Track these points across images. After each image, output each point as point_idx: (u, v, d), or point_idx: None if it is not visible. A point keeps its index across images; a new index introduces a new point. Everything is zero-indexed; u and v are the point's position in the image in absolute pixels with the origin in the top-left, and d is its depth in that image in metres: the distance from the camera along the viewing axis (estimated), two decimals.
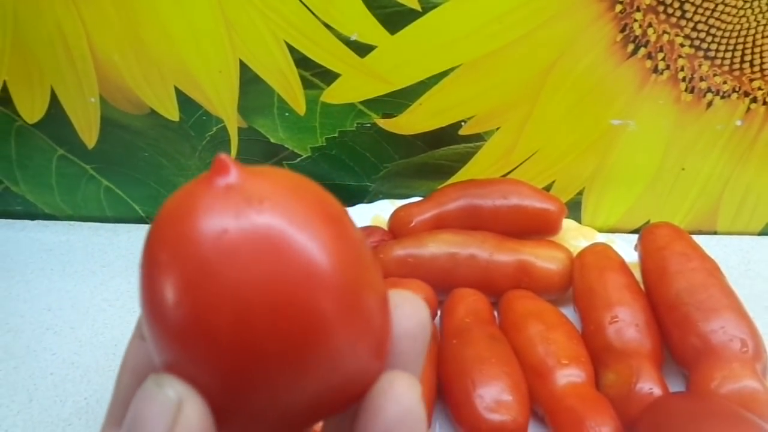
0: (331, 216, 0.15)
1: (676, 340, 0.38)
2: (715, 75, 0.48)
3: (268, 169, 0.15)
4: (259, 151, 0.52)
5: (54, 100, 0.51)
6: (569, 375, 0.37)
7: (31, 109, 0.51)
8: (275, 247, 0.14)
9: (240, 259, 0.14)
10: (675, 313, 0.39)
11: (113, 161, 0.54)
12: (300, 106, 0.50)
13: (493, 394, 0.34)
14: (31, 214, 0.57)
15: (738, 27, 0.46)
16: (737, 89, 0.48)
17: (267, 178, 0.15)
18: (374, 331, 0.15)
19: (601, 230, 0.52)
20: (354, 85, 0.49)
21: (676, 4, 0.45)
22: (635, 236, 0.46)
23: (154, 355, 0.15)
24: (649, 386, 0.36)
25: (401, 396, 0.15)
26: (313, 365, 0.14)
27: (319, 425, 0.17)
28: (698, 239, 0.44)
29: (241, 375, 0.14)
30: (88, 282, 0.50)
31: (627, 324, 0.38)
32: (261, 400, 0.14)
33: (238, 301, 0.14)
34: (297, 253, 0.14)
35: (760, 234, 0.56)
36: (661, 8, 0.45)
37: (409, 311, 0.16)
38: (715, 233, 0.56)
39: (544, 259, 0.44)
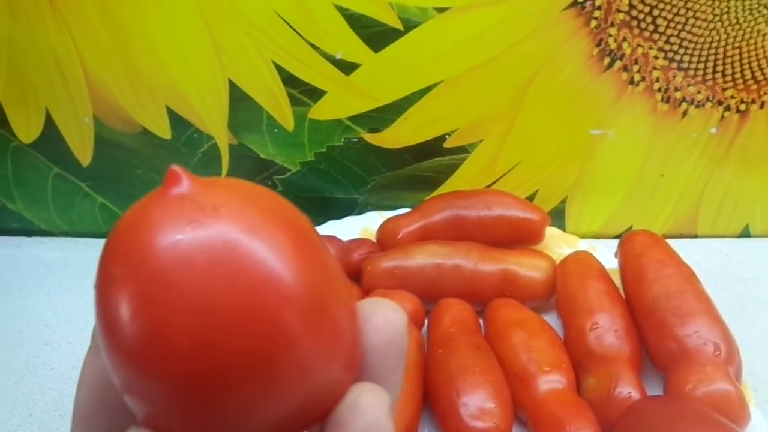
0: (291, 224, 0.14)
1: (653, 345, 0.40)
2: (689, 85, 0.49)
3: (223, 179, 0.15)
4: (249, 166, 0.54)
5: (49, 121, 0.52)
6: (551, 381, 0.38)
7: (26, 129, 0.53)
8: (232, 254, 0.13)
9: (196, 268, 0.13)
10: (652, 319, 0.40)
11: (107, 178, 0.55)
12: (288, 122, 0.52)
13: (477, 402, 0.36)
14: (28, 230, 0.58)
15: (709, 39, 0.47)
16: (711, 98, 0.50)
17: (221, 188, 0.14)
18: (341, 343, 0.15)
19: (585, 237, 0.54)
20: (340, 101, 0.50)
21: (649, 19, 0.47)
22: (617, 242, 0.47)
23: (112, 375, 0.14)
24: (627, 390, 0.37)
25: (368, 409, 0.14)
26: (278, 379, 0.14)
27: None
28: (679, 243, 0.45)
29: (203, 392, 0.13)
30: (84, 297, 0.51)
31: (606, 330, 0.40)
32: (225, 419, 0.14)
33: (197, 312, 0.13)
34: (256, 261, 0.13)
35: (739, 236, 0.57)
36: (634, 23, 0.47)
37: (381, 322, 0.16)
38: (695, 236, 0.57)
39: (527, 267, 0.46)
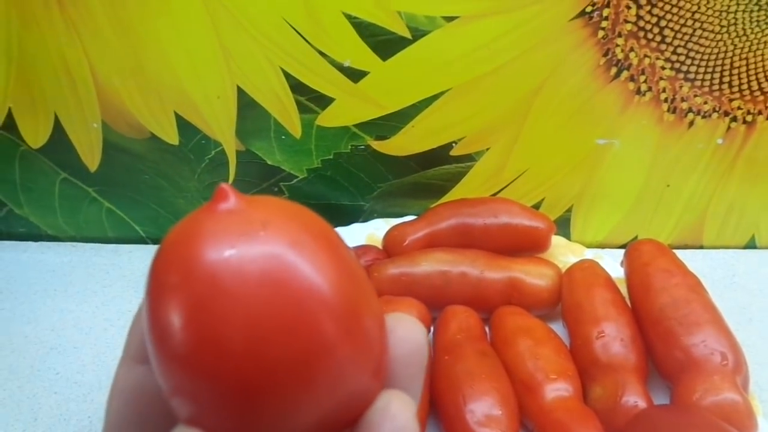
0: (328, 240, 0.16)
1: (660, 354, 0.40)
2: (695, 96, 0.49)
3: (263, 197, 0.16)
4: (256, 173, 0.54)
5: (57, 126, 0.52)
6: (557, 389, 0.38)
7: (35, 134, 0.53)
8: (280, 266, 0.14)
9: (248, 278, 0.14)
10: (659, 328, 0.40)
11: (115, 184, 0.55)
12: (296, 129, 0.52)
13: (484, 409, 0.36)
14: (34, 235, 0.58)
15: (716, 50, 0.47)
16: (717, 109, 0.50)
17: (265, 205, 0.15)
18: (372, 351, 0.16)
19: (589, 246, 0.54)
20: (348, 109, 0.51)
21: (656, 30, 0.47)
22: (623, 252, 0.47)
23: (161, 379, 0.15)
24: (634, 399, 0.37)
25: (397, 414, 0.15)
26: (317, 383, 0.14)
27: None
28: (684, 253, 0.45)
29: (250, 393, 0.14)
30: (90, 302, 0.51)
31: (613, 339, 0.40)
32: (267, 419, 0.15)
33: (248, 319, 0.14)
34: (300, 273, 0.14)
35: (745, 247, 0.57)
36: (641, 34, 0.47)
37: (403, 334, 0.17)
38: (701, 247, 0.57)
39: (533, 275, 0.46)
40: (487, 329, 0.44)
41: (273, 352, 0.14)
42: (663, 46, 0.47)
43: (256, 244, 0.14)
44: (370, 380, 0.16)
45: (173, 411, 0.15)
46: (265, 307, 0.14)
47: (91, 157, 0.54)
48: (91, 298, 0.52)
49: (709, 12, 0.46)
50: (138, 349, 0.18)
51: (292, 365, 0.14)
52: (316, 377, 0.14)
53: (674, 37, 0.47)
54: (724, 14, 0.46)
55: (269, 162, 0.53)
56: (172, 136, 0.52)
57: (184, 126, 0.52)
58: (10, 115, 0.52)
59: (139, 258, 0.56)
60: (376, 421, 0.15)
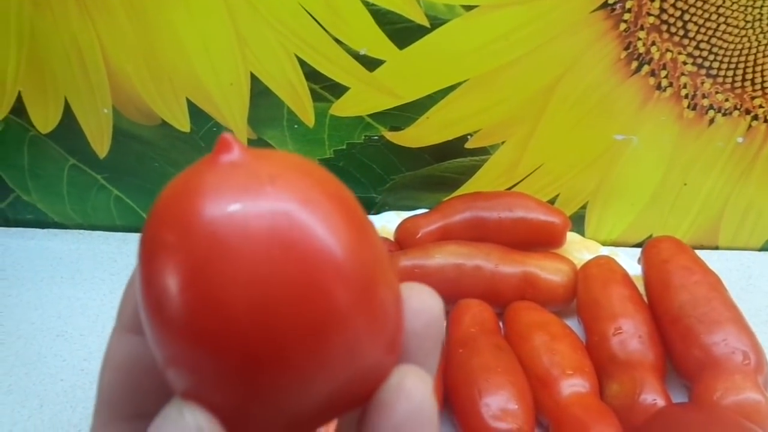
0: (342, 199, 0.14)
1: (678, 352, 0.39)
2: (717, 93, 0.49)
3: (271, 151, 0.15)
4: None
5: (67, 111, 0.52)
6: (574, 385, 0.37)
7: (44, 119, 0.52)
8: (291, 226, 0.13)
9: (254, 237, 0.13)
10: (678, 326, 0.39)
11: (124, 171, 0.55)
12: (309, 118, 0.51)
13: (500, 403, 0.35)
14: (42, 222, 0.57)
15: (740, 46, 0.47)
16: (739, 107, 0.49)
17: (274, 159, 0.14)
18: (387, 323, 0.14)
19: (604, 243, 0.53)
20: (362, 98, 0.50)
21: (679, 24, 0.46)
22: (638, 250, 0.47)
23: (156, 349, 0.14)
24: (652, 397, 0.36)
25: (412, 391, 0.14)
26: (328, 355, 0.13)
27: (332, 424, 0.16)
28: (699, 254, 0.45)
29: (255, 364, 0.13)
30: (97, 290, 0.51)
31: (630, 335, 0.39)
32: (272, 394, 0.13)
33: (254, 282, 0.13)
34: (312, 234, 0.13)
35: (761, 249, 0.56)
36: (664, 27, 0.46)
37: (418, 305, 0.15)
38: (716, 248, 0.56)
39: (548, 271, 0.45)
40: (501, 324, 0.44)
41: (280, 319, 0.13)
42: (686, 41, 0.47)
43: (263, 200, 0.13)
44: (384, 354, 0.14)
45: (169, 384, 0.14)
46: (272, 269, 0.13)
47: (101, 144, 0.53)
48: (98, 286, 0.51)
49: (734, 7, 0.45)
50: (131, 318, 0.16)
51: (300, 335, 0.13)
52: (326, 349, 0.13)
53: (697, 32, 0.46)
54: (749, 9, 0.45)
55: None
56: (183, 123, 0.52)
57: (195, 113, 0.51)
58: (20, 100, 0.51)
59: None
60: (390, 400, 0.14)
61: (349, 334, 0.13)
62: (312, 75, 0.49)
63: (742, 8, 0.45)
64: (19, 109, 0.52)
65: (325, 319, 0.13)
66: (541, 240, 0.48)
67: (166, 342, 0.13)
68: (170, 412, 0.14)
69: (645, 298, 0.43)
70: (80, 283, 0.51)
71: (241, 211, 0.13)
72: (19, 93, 0.51)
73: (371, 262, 0.14)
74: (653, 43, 0.47)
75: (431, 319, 0.16)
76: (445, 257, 0.45)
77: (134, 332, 0.16)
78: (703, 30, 0.46)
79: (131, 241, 0.56)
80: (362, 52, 0.48)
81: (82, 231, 0.57)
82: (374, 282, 0.14)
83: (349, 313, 0.13)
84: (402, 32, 0.47)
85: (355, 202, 0.15)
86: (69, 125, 0.52)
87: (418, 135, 0.52)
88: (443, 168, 0.53)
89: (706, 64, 0.47)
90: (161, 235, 0.13)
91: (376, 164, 0.53)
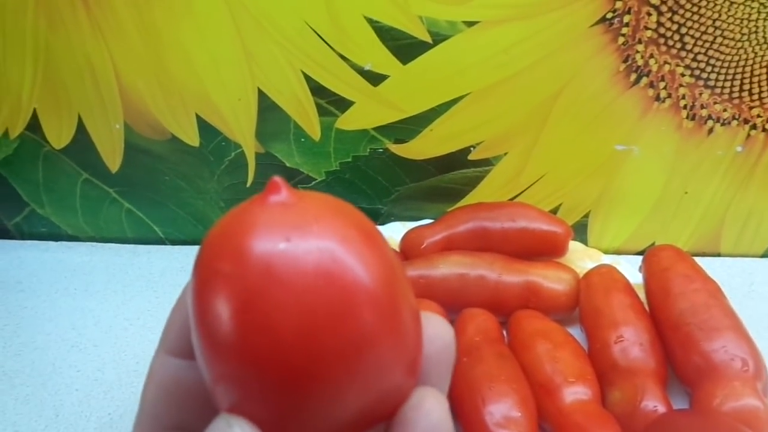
0: (372, 236, 0.16)
1: (679, 359, 0.40)
2: (715, 103, 0.50)
3: (312, 192, 0.17)
4: (275, 175, 0.54)
5: (80, 127, 0.53)
6: (576, 392, 0.38)
7: (58, 135, 0.54)
8: (333, 260, 0.15)
9: (303, 270, 0.14)
10: (678, 333, 0.40)
11: (135, 185, 0.56)
12: (315, 132, 0.52)
13: (503, 411, 0.36)
14: (55, 235, 0.59)
15: (736, 58, 0.47)
16: (737, 116, 0.50)
17: (316, 200, 0.16)
18: (410, 345, 0.16)
19: (606, 252, 0.53)
20: (367, 112, 0.51)
21: (677, 37, 0.47)
22: (640, 258, 0.47)
23: (206, 366, 0.15)
24: (653, 404, 0.37)
25: (431, 411, 0.16)
26: (360, 374, 0.15)
27: None
28: (702, 261, 0.45)
29: (296, 382, 0.14)
30: (110, 301, 0.52)
31: (632, 343, 0.40)
32: (309, 409, 0.15)
33: (301, 309, 0.14)
34: (349, 267, 0.15)
35: (763, 256, 0.57)
36: (662, 40, 0.47)
37: (433, 332, 0.17)
38: (718, 255, 0.57)
39: (551, 280, 0.46)
40: (504, 333, 0.44)
41: (322, 342, 0.14)
42: (683, 53, 0.48)
43: (310, 238, 0.15)
44: (406, 375, 0.16)
45: (214, 401, 0.16)
46: (317, 298, 0.14)
47: (113, 158, 0.55)
48: (111, 297, 0.52)
49: (730, 20, 0.46)
50: (174, 342, 0.18)
51: (338, 355, 0.15)
52: (359, 368, 0.15)
53: (695, 44, 0.47)
54: (745, 22, 0.46)
55: (288, 164, 0.54)
56: (192, 138, 0.53)
57: (204, 128, 0.52)
58: (35, 116, 0.53)
59: (158, 258, 0.56)
60: (412, 417, 0.16)
61: (379, 355, 0.15)
62: (318, 90, 0.50)
63: (738, 21, 0.46)
64: (34, 125, 0.53)
65: (359, 341, 0.15)
66: (543, 249, 0.49)
67: (218, 359, 0.15)
68: (219, 424, 0.15)
69: (646, 306, 0.43)
70: (93, 295, 0.52)
71: (292, 246, 0.15)
72: (34, 110, 0.52)
73: (396, 290, 0.16)
74: (651, 56, 0.48)
75: (444, 345, 0.17)
76: (449, 267, 0.46)
77: (177, 355, 0.18)
78: (700, 42, 0.47)
79: (142, 253, 0.57)
80: (367, 67, 0.49)
81: (94, 243, 0.58)
82: (399, 307, 0.16)
83: (379, 336, 0.15)
84: (405, 48, 0.48)
85: (380, 234, 0.17)
86: (82, 141, 0.53)
87: (422, 147, 0.53)
88: (447, 179, 0.54)
89: (704, 75, 0.48)
90: (217, 265, 0.15)
91: (382, 176, 0.54)
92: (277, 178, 0.16)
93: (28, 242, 0.58)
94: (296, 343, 0.14)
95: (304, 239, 0.15)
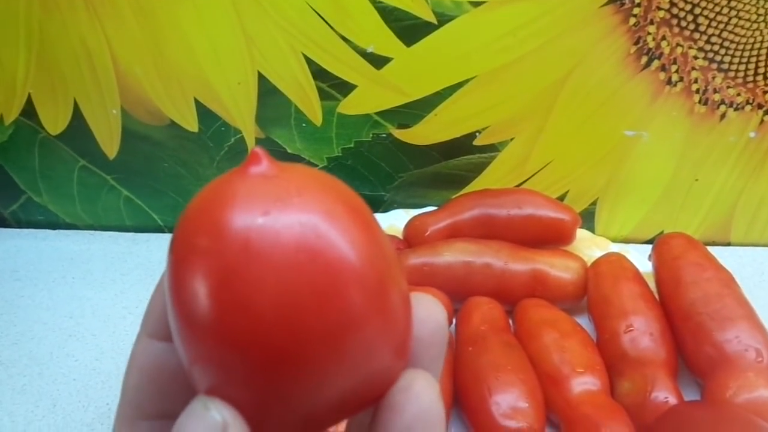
0: (360, 212, 0.15)
1: (690, 350, 0.39)
2: (728, 87, 0.48)
3: (298, 165, 0.16)
4: None
5: (77, 112, 0.52)
6: (584, 383, 0.37)
7: (54, 121, 0.53)
8: (316, 236, 0.14)
9: (284, 245, 0.14)
10: (689, 323, 0.39)
11: (133, 172, 0.55)
12: (317, 117, 0.51)
13: (510, 401, 0.35)
14: (53, 223, 0.58)
15: (751, 40, 0.46)
16: (751, 101, 0.49)
17: (299, 172, 0.15)
18: (398, 327, 0.15)
19: (614, 240, 0.52)
20: (370, 96, 0.50)
21: (690, 18, 0.46)
22: (649, 247, 0.46)
23: (183, 347, 0.15)
24: (664, 395, 0.36)
25: (421, 394, 0.15)
26: (345, 356, 0.14)
27: (342, 424, 0.17)
28: (711, 250, 0.44)
29: (278, 363, 0.14)
30: (108, 290, 0.51)
31: (642, 333, 0.39)
32: (293, 392, 0.14)
33: (282, 286, 0.13)
34: (333, 243, 0.14)
35: None
36: (674, 21, 0.46)
37: (424, 315, 0.16)
38: (728, 244, 0.56)
39: (558, 268, 0.45)
40: (510, 322, 0.43)
41: (304, 321, 0.14)
42: (696, 35, 0.46)
43: (291, 211, 0.14)
44: (395, 357, 0.15)
45: (192, 382, 0.15)
46: (299, 274, 0.14)
47: (110, 145, 0.54)
48: (109, 286, 0.51)
49: (746, 0, 0.45)
50: (155, 324, 0.17)
51: (321, 336, 0.14)
52: (344, 350, 0.14)
53: (708, 26, 0.46)
54: (761, 2, 0.45)
55: (289, 150, 0.53)
56: (191, 123, 0.52)
57: (203, 113, 0.51)
58: (30, 102, 0.52)
59: (157, 246, 0.55)
60: (400, 401, 0.15)
61: (365, 337, 0.14)
62: (319, 73, 0.49)
63: (753, 1, 0.45)
64: (29, 111, 0.52)
65: (344, 320, 0.14)
66: (550, 237, 0.47)
67: (195, 340, 0.14)
68: (196, 406, 0.14)
69: (656, 295, 0.42)
70: (91, 283, 0.52)
71: (272, 220, 0.14)
72: (29, 95, 0.51)
73: (385, 270, 0.15)
74: (663, 38, 0.46)
75: (437, 327, 0.16)
76: (454, 255, 0.45)
77: (158, 338, 0.17)
78: (714, 24, 0.46)
79: (141, 241, 0.56)
80: (369, 49, 0.48)
81: (92, 231, 0.58)
82: (387, 288, 0.15)
83: (365, 317, 0.14)
84: (409, 29, 0.47)
85: (369, 212, 0.16)
86: (78, 127, 0.52)
87: (426, 132, 0.51)
88: (452, 165, 0.53)
89: (717, 58, 0.47)
90: (194, 240, 0.14)
91: (385, 162, 0.53)
92: (258, 149, 0.15)
93: (25, 230, 0.57)
94: (276, 322, 0.13)
95: (285, 213, 0.14)
